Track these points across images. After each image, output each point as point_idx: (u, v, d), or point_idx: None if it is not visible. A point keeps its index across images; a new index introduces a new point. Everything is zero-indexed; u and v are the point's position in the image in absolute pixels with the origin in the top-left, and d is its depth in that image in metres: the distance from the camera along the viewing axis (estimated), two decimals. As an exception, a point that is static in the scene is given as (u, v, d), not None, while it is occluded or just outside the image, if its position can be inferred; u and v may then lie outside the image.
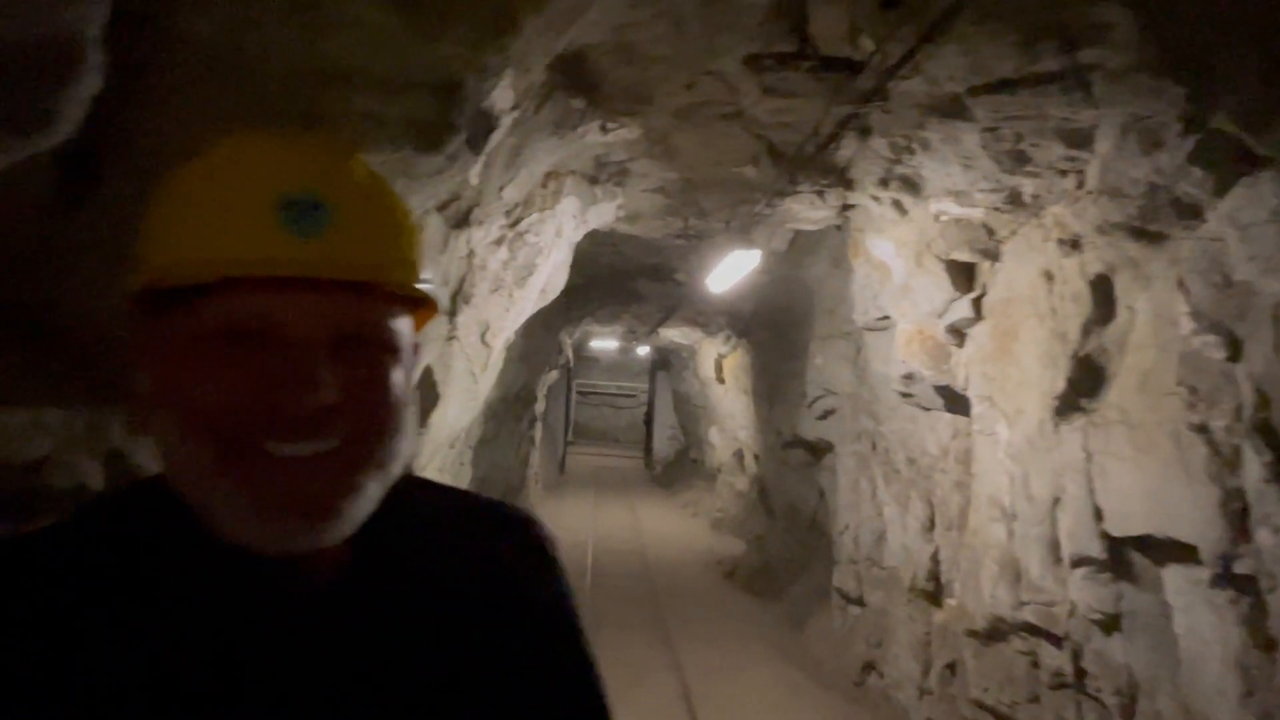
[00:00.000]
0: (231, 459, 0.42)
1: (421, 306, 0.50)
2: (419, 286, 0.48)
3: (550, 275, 3.85)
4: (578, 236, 3.96)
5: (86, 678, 0.41)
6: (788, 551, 6.45)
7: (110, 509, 0.50)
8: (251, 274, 0.41)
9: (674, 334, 9.45)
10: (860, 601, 4.54)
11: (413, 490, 0.54)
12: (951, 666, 3.44)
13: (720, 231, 4.25)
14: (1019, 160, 2.36)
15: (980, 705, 3.12)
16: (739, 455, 8.95)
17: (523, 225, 3.00)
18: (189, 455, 0.43)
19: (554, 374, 10.30)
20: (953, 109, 2.31)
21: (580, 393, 18.84)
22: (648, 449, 16.01)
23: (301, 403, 0.42)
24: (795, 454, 6.24)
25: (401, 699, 0.46)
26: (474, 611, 0.51)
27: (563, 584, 0.58)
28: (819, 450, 5.72)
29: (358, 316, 0.45)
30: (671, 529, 9.30)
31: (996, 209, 2.77)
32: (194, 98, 1.01)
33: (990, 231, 2.95)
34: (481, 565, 0.54)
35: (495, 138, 1.78)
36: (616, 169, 3.38)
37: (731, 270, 4.16)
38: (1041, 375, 2.74)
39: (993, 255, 3.02)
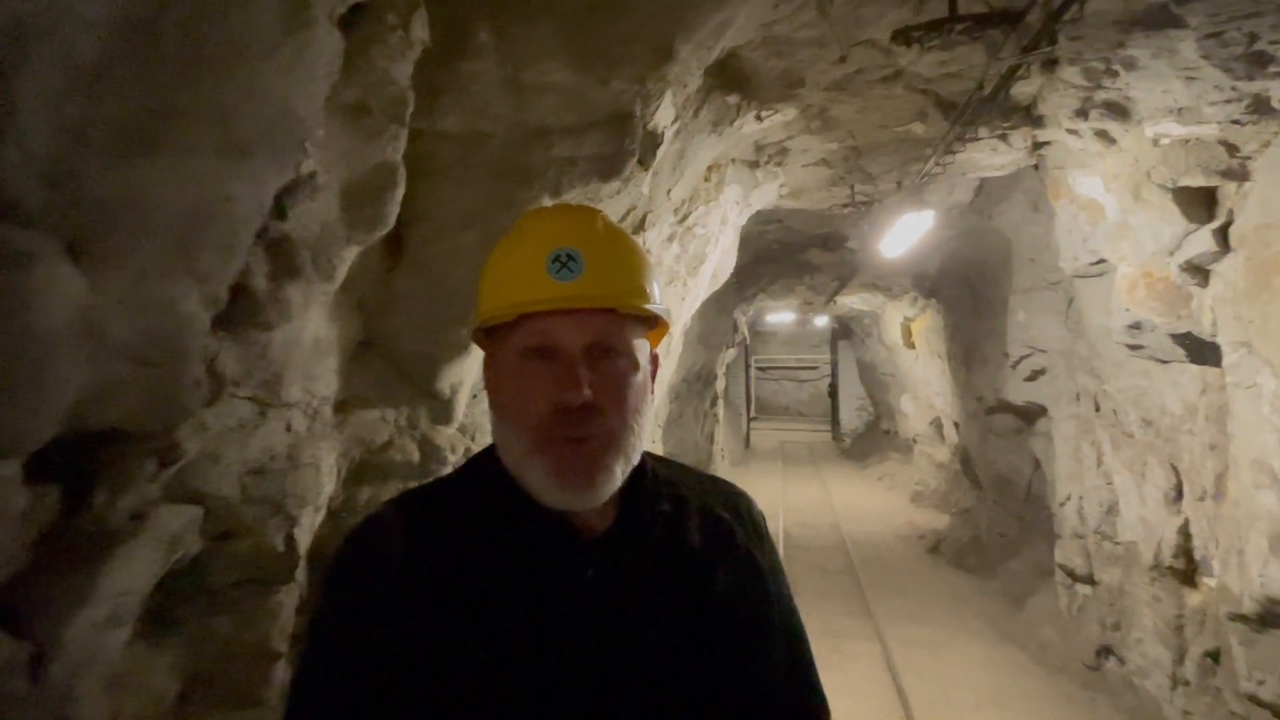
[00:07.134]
0: (541, 443, 0.63)
1: (657, 325, 0.70)
2: (650, 308, 0.66)
3: (719, 261, 4.01)
4: (742, 220, 4.06)
5: (450, 597, 0.60)
6: (1000, 525, 5.94)
7: (463, 476, 0.72)
8: (534, 310, 0.63)
9: (853, 300, 9.04)
10: (1090, 579, 4.09)
11: (653, 464, 0.73)
12: (1213, 655, 3.00)
13: (891, 194, 4.06)
14: (1257, 62, 1.98)
15: (1256, 700, 2.69)
16: (936, 424, 8.34)
17: (690, 220, 3.19)
18: (512, 440, 0.65)
19: (731, 352, 10.44)
20: (1160, 19, 2.01)
21: (759, 368, 18.70)
22: (834, 421, 15.49)
23: (571, 397, 0.61)
24: (1001, 420, 5.71)
25: (657, 619, 0.64)
26: (709, 561, 0.68)
27: (774, 553, 0.74)
28: (1030, 415, 5.18)
29: (606, 331, 0.64)
30: (866, 502, 8.99)
31: (1236, 121, 2.33)
32: (452, 176, 1.37)
33: (1231, 148, 2.48)
34: (712, 527, 0.71)
35: (661, 151, 1.99)
36: (775, 149, 3.42)
37: (904, 234, 3.95)
38: (1318, 312, 2.27)
39: (1238, 175, 2.54)
